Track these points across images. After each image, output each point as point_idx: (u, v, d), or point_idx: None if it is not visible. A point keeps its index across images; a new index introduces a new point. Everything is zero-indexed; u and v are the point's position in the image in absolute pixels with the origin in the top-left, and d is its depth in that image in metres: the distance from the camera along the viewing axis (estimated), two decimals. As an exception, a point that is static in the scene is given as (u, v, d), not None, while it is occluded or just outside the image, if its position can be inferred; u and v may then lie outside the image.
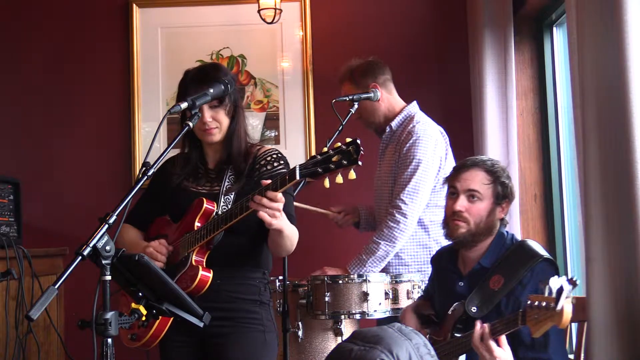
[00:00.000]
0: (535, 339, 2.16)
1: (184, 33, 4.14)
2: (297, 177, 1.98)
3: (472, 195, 2.35)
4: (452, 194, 2.40)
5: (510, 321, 2.06)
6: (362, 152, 1.92)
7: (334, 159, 1.94)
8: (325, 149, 1.97)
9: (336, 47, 4.08)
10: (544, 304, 1.92)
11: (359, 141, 1.93)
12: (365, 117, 3.23)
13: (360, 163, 1.92)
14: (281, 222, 2.12)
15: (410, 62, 4.04)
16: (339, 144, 1.96)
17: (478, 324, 2.13)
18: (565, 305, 1.88)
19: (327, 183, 1.99)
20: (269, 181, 2.08)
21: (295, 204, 2.44)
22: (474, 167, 2.38)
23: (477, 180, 2.35)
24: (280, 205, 2.07)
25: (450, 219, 2.38)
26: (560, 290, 1.89)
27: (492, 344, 2.07)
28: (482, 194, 2.34)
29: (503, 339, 2.08)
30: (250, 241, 2.34)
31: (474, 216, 2.35)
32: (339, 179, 1.96)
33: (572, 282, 1.91)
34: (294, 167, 1.99)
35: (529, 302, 1.99)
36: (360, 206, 3.41)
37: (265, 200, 2.04)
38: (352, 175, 1.95)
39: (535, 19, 3.64)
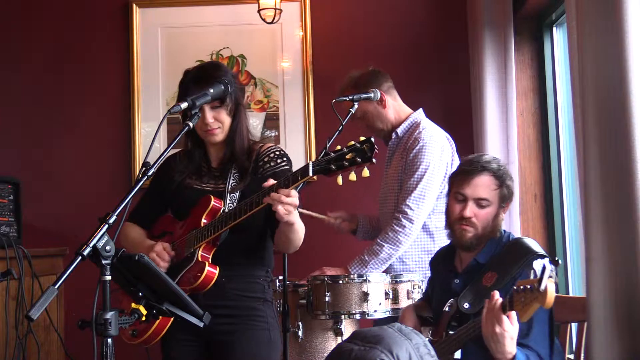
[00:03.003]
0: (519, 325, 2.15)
1: (184, 33, 4.15)
2: (310, 174, 1.98)
3: (481, 201, 2.34)
4: (459, 198, 2.38)
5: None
6: (376, 150, 1.92)
7: (347, 156, 1.94)
8: (339, 147, 1.97)
9: (336, 47, 4.09)
10: (528, 286, 1.93)
11: (373, 139, 1.94)
12: (373, 123, 3.20)
13: (374, 161, 1.92)
14: (294, 215, 2.12)
15: (410, 62, 4.04)
16: (353, 142, 1.95)
17: (495, 294, 2.07)
18: (549, 285, 1.88)
19: (340, 180, 1.99)
20: (272, 182, 2.07)
21: None
22: (483, 172, 2.35)
23: (486, 186, 2.34)
24: (296, 200, 2.07)
25: (457, 223, 2.37)
26: (542, 271, 1.89)
27: (503, 316, 2.02)
28: (490, 201, 2.34)
29: (513, 314, 2.03)
30: (255, 239, 2.35)
31: (481, 221, 2.34)
32: (353, 176, 1.95)
33: (554, 261, 1.91)
34: (307, 164, 2.00)
35: (514, 287, 1.99)
36: (361, 215, 3.40)
37: (283, 197, 2.04)
38: (366, 172, 1.95)
39: (535, 19, 3.64)
